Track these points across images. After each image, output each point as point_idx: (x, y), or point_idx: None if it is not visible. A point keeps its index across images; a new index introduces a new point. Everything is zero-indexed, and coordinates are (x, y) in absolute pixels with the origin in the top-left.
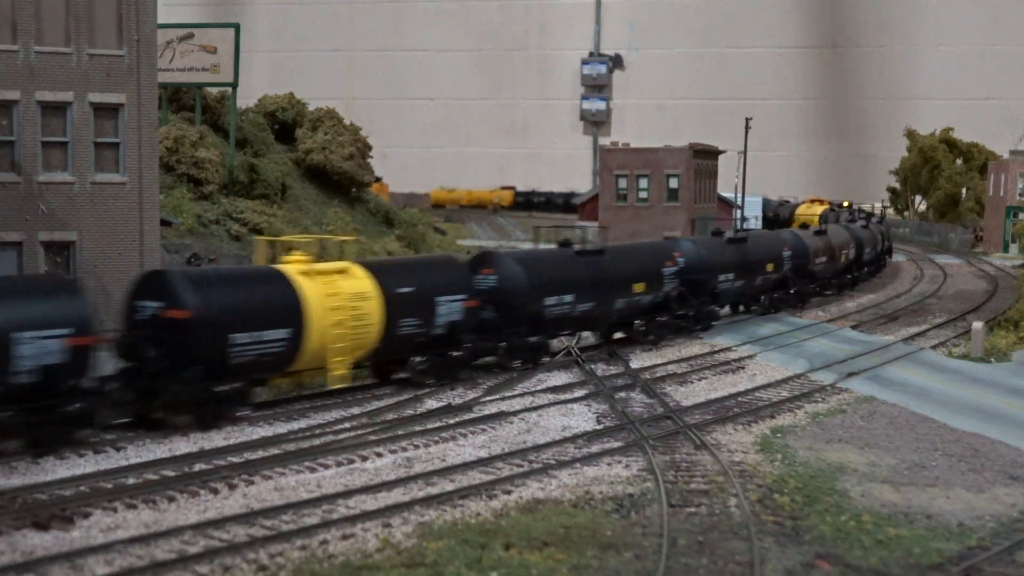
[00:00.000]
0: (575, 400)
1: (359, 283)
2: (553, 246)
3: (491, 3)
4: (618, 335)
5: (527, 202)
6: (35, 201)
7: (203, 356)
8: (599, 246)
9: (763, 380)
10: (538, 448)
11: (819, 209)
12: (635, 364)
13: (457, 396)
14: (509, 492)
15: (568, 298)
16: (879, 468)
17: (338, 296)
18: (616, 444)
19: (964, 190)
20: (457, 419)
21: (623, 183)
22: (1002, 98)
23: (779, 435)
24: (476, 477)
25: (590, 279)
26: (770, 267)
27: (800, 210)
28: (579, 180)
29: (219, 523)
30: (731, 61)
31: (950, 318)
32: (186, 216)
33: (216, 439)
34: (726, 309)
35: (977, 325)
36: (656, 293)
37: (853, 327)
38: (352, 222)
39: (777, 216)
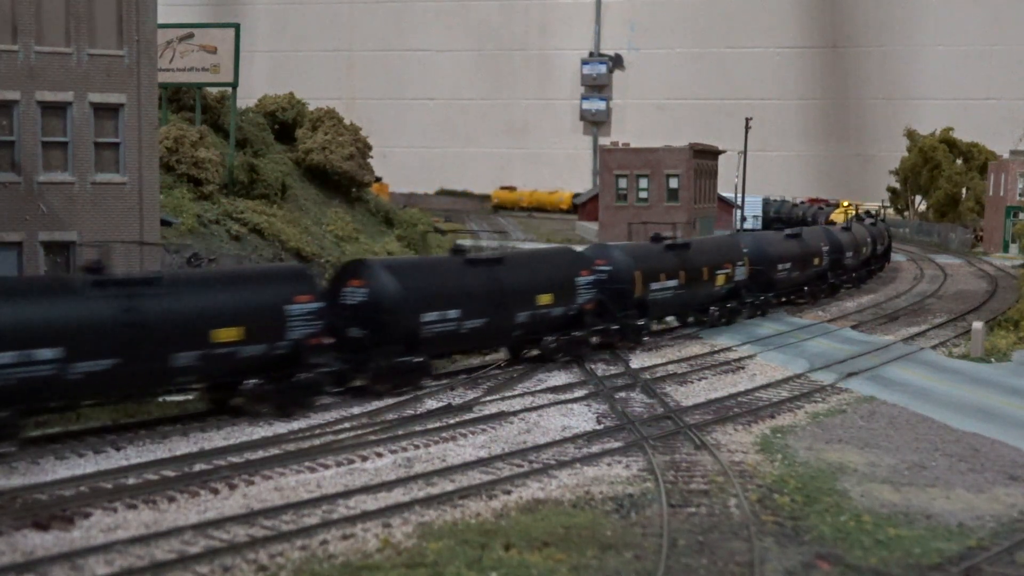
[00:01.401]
0: (575, 400)
1: None
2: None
3: (491, 3)
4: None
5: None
6: (35, 201)
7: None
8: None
9: (763, 380)
10: (538, 448)
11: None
12: (635, 364)
13: (457, 396)
14: (509, 492)
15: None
16: (879, 468)
17: None
18: (616, 444)
19: (964, 190)
20: (457, 419)
21: (623, 183)
22: (1002, 98)
23: (779, 435)
24: (476, 477)
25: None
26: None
27: (834, 215)
28: (579, 180)
29: (219, 523)
30: (731, 61)
31: (950, 318)
32: (186, 216)
33: (216, 439)
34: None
35: (977, 325)
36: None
37: (853, 327)
38: (352, 222)
39: (778, 216)
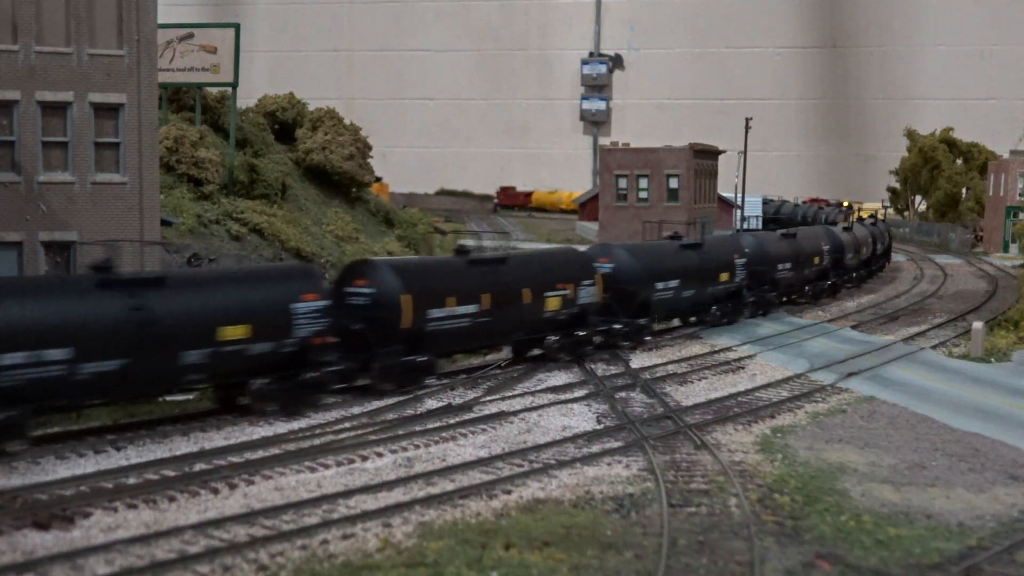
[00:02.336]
0: (575, 400)
1: None
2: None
3: (491, 3)
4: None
5: None
6: (35, 201)
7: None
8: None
9: (763, 380)
10: (538, 448)
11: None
12: (635, 364)
13: (457, 396)
14: (509, 492)
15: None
16: (879, 468)
17: None
18: (616, 444)
19: (964, 190)
20: (457, 419)
21: (623, 183)
22: (1002, 98)
23: (779, 435)
24: (476, 477)
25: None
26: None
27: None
28: (579, 180)
29: (219, 523)
30: (731, 61)
31: (950, 318)
32: (186, 216)
33: (216, 439)
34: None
35: (977, 325)
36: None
37: (853, 327)
38: (352, 222)
39: (777, 216)
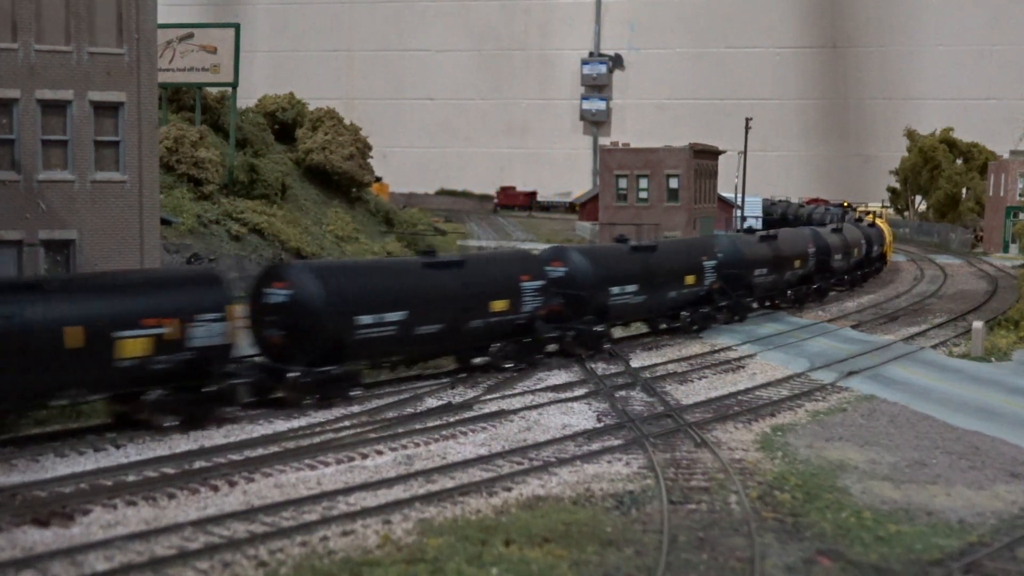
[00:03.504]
0: (575, 399)
1: None
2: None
3: (491, 3)
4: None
5: None
6: (35, 199)
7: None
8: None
9: (763, 379)
10: (538, 446)
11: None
12: (635, 363)
13: (457, 395)
14: (509, 489)
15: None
16: (880, 466)
17: None
18: (616, 442)
19: (964, 190)
20: (457, 417)
21: (623, 183)
22: (1002, 98)
23: (779, 433)
24: (476, 474)
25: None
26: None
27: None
28: (579, 180)
29: (219, 520)
30: (731, 61)
31: (950, 318)
32: (186, 216)
33: (216, 437)
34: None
35: (977, 324)
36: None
37: (853, 327)
38: (352, 222)
39: (781, 216)
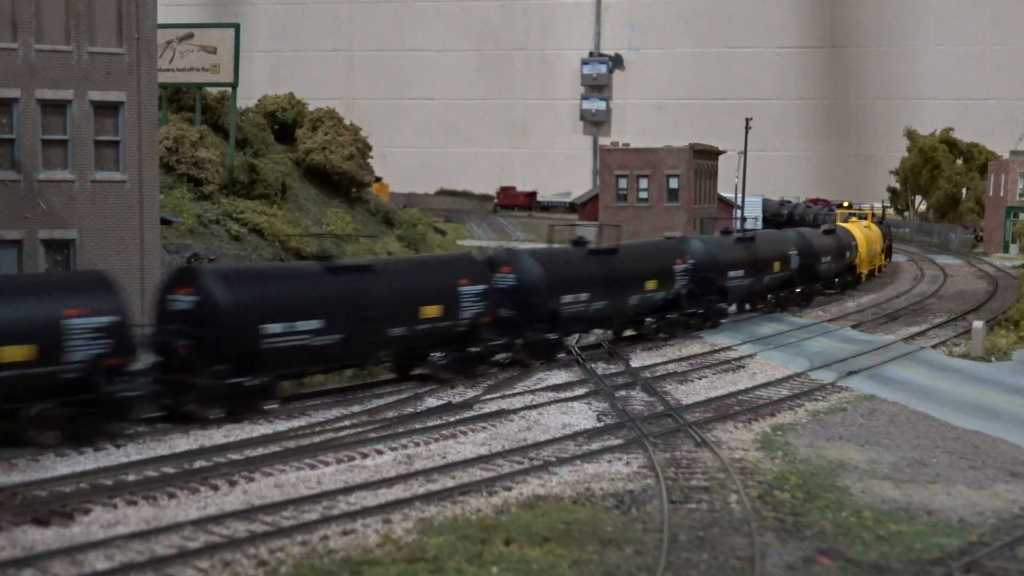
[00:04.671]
0: (575, 398)
1: None
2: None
3: (491, 3)
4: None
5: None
6: (35, 199)
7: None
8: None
9: (763, 379)
10: (538, 445)
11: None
12: (635, 363)
13: (457, 394)
14: (510, 489)
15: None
16: (880, 465)
17: None
18: (616, 441)
19: (964, 190)
20: (457, 417)
21: (623, 183)
22: (1002, 98)
23: (780, 433)
24: (477, 474)
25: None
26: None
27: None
28: (579, 180)
29: (219, 519)
30: (731, 61)
31: (950, 318)
32: (186, 216)
33: (216, 436)
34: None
35: (978, 324)
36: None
37: (853, 327)
38: (352, 222)
39: (781, 216)
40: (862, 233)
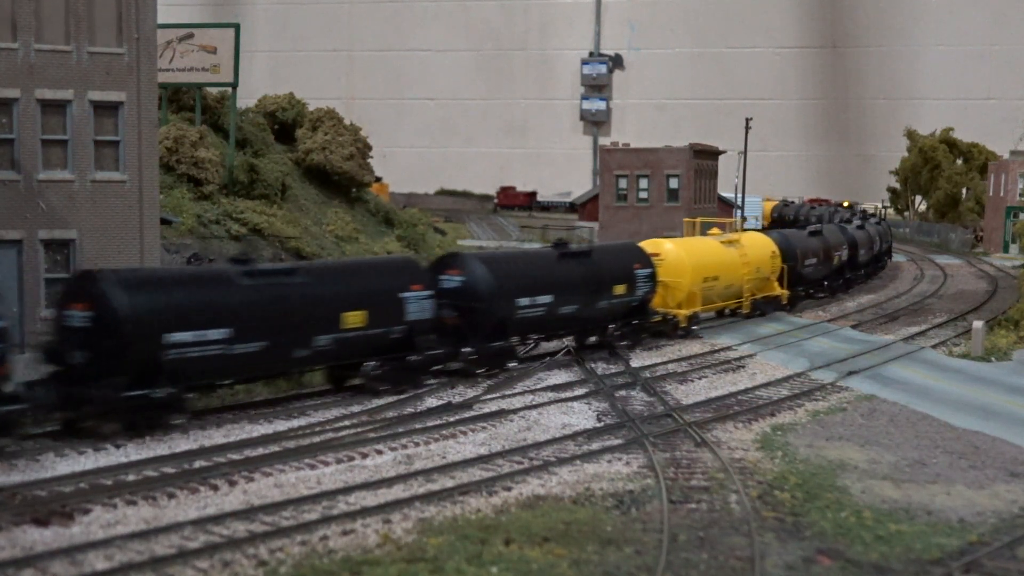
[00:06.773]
0: (575, 398)
1: None
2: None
3: (491, 3)
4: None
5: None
6: (35, 199)
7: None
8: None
9: (763, 379)
10: (538, 445)
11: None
12: (635, 363)
13: (457, 395)
14: (509, 489)
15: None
16: (880, 465)
17: None
18: (616, 441)
19: (964, 190)
20: (457, 417)
21: (623, 183)
22: (1002, 98)
23: (779, 432)
24: (476, 474)
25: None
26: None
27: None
28: (579, 180)
29: (219, 519)
30: (731, 61)
31: (950, 318)
32: (186, 216)
33: (216, 436)
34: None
35: (978, 324)
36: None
37: (853, 327)
38: (352, 222)
39: (782, 217)
40: (700, 252)
